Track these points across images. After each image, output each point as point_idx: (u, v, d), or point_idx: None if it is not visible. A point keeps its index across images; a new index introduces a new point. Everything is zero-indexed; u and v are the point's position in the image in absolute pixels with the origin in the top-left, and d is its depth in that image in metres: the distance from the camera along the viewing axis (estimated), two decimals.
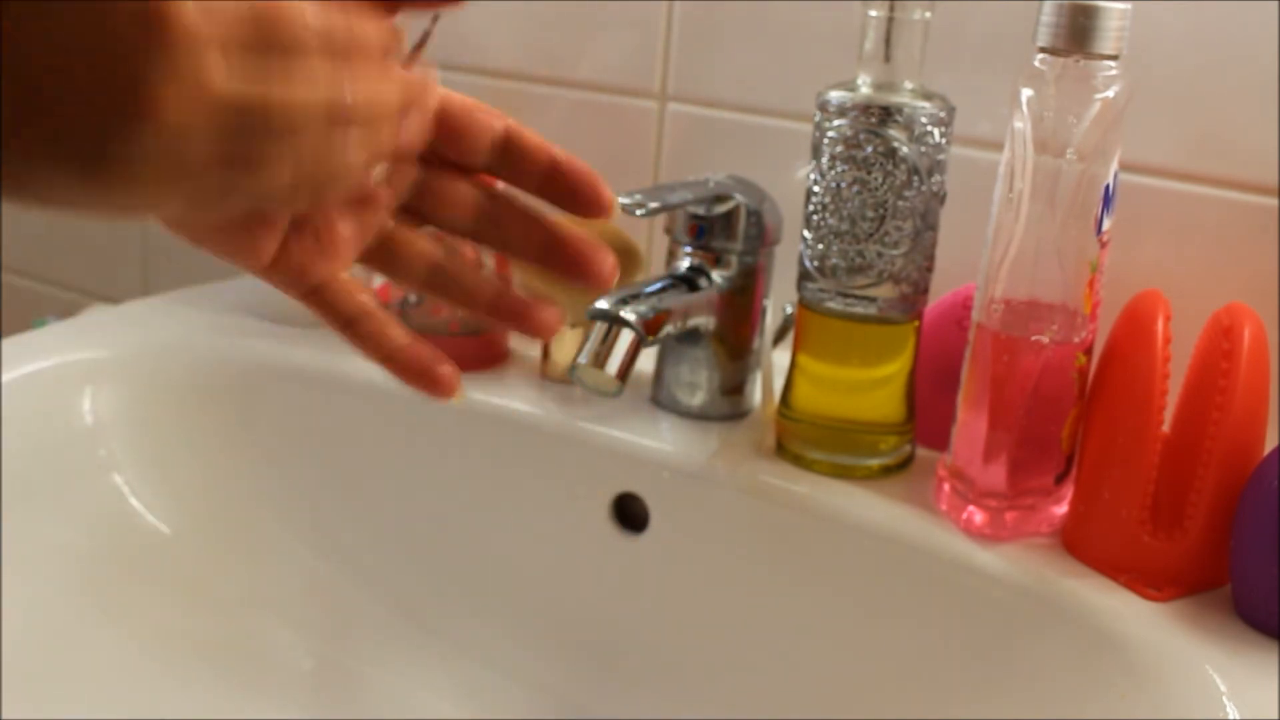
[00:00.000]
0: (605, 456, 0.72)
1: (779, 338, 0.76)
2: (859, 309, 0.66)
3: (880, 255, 0.65)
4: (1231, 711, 0.52)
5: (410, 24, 0.93)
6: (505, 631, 0.76)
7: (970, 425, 0.62)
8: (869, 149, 0.63)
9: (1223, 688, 0.53)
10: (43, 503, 0.71)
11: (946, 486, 0.65)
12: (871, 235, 0.64)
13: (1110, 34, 0.56)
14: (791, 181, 0.78)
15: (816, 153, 0.66)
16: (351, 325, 0.42)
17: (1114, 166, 0.59)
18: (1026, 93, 0.58)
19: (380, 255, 0.43)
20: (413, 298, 0.79)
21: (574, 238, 0.44)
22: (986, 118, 0.74)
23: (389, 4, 0.38)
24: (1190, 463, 0.58)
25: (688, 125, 0.86)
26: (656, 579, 0.72)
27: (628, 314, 0.65)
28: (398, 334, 0.42)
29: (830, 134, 0.64)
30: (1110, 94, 0.57)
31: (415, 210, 0.43)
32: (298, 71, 0.31)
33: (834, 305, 0.66)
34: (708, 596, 0.70)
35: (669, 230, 0.72)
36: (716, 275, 0.71)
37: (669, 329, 0.68)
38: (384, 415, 0.78)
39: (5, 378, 0.72)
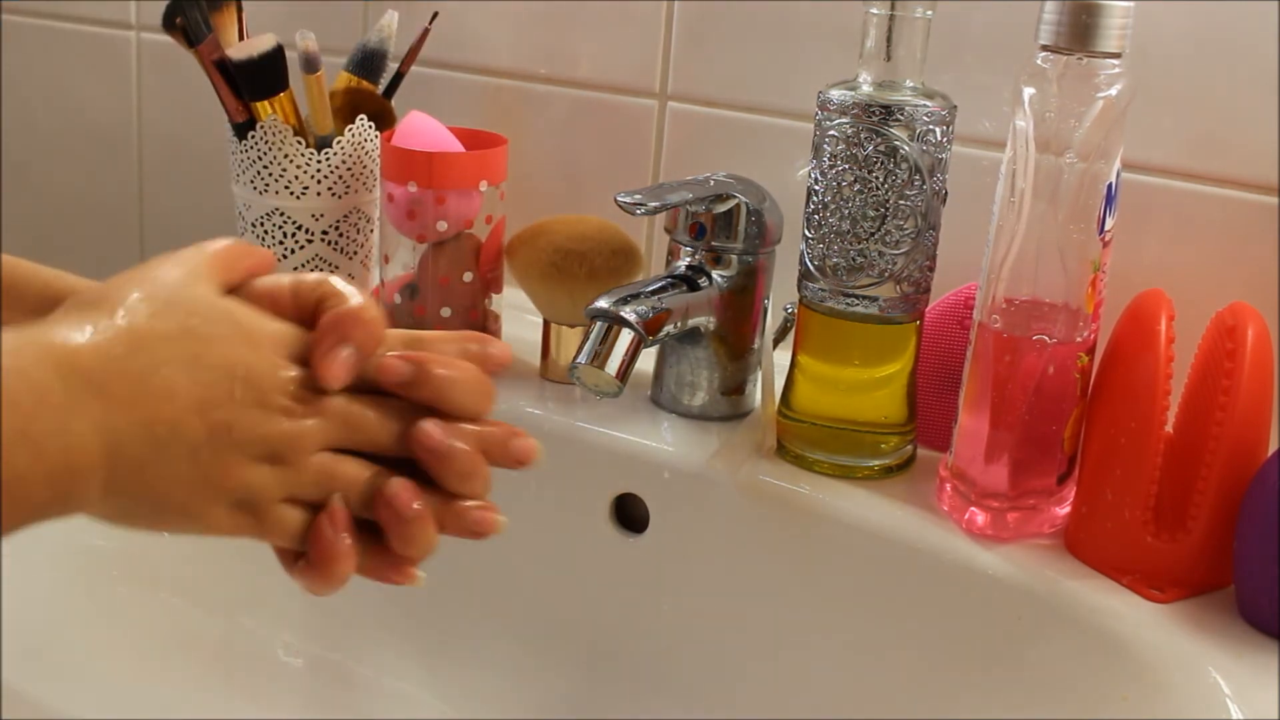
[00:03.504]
0: (605, 456, 0.72)
1: (779, 338, 0.76)
2: (860, 309, 0.65)
3: (881, 255, 0.64)
4: (1235, 713, 0.52)
5: (409, 22, 0.93)
6: (504, 631, 0.76)
7: (972, 425, 0.62)
8: (870, 148, 0.63)
9: (1226, 689, 0.53)
10: None
11: (948, 487, 0.64)
12: (873, 234, 0.64)
13: (1113, 32, 0.56)
14: (792, 180, 0.78)
15: (817, 152, 0.65)
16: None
17: (1116, 165, 0.59)
18: (1028, 91, 0.58)
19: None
20: (398, 298, 0.79)
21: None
22: (988, 116, 0.74)
23: None
24: (1193, 463, 0.58)
25: (688, 125, 0.86)
26: (656, 579, 0.71)
27: (628, 314, 0.65)
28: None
29: (831, 133, 0.64)
30: (1113, 92, 0.57)
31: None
32: None
33: (835, 305, 0.66)
34: (708, 596, 0.70)
35: (669, 230, 0.72)
36: (717, 275, 0.71)
37: (669, 329, 0.68)
38: None
39: None
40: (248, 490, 0.41)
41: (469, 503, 0.45)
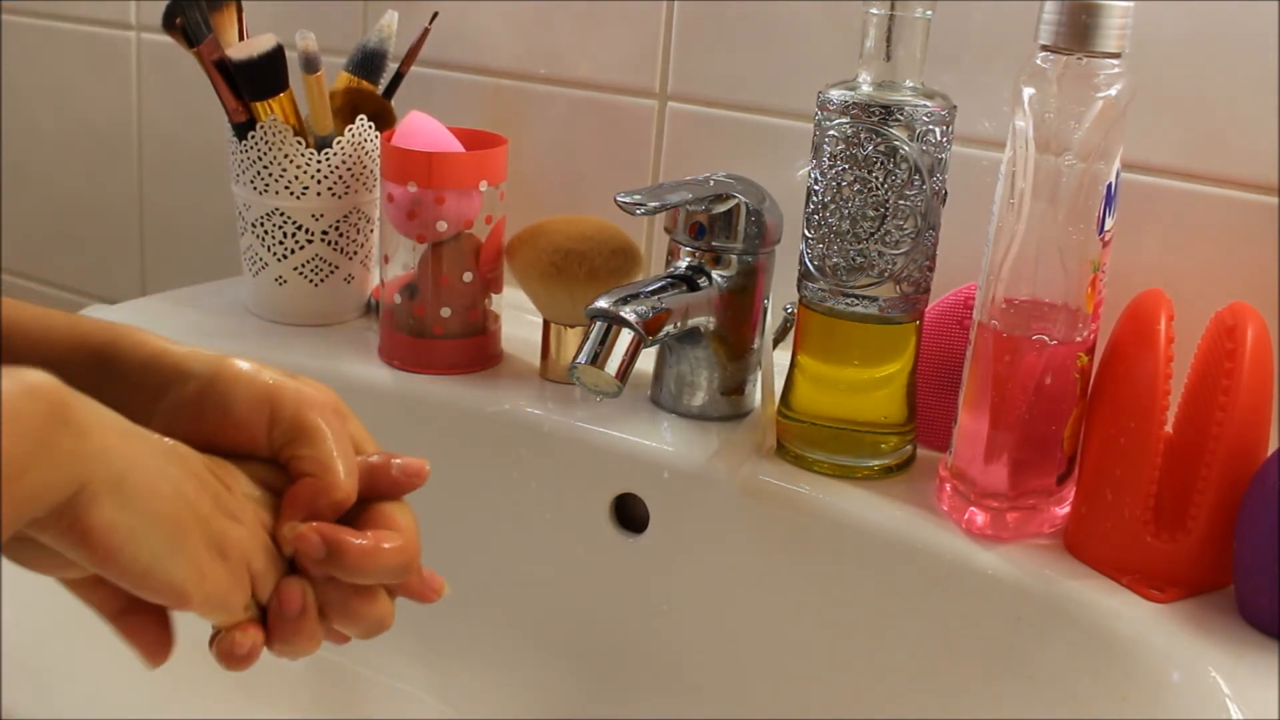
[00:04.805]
0: (605, 456, 0.72)
1: (779, 338, 0.76)
2: (860, 309, 0.65)
3: (881, 255, 0.64)
4: (1234, 713, 0.52)
5: (409, 22, 0.93)
6: (505, 632, 0.76)
7: (972, 425, 0.62)
8: (870, 148, 0.63)
9: (1226, 689, 0.53)
10: None
11: (948, 487, 0.64)
12: (872, 235, 0.64)
13: (1112, 32, 0.56)
14: (792, 180, 0.78)
15: (817, 152, 0.65)
16: None
17: (1116, 165, 0.59)
18: (1028, 91, 0.58)
19: None
20: (398, 298, 0.79)
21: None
22: (988, 116, 0.74)
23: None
24: (1193, 463, 0.58)
25: (688, 125, 0.86)
26: (656, 579, 0.71)
27: (628, 314, 0.65)
28: None
29: (831, 133, 0.64)
30: (1112, 92, 0.57)
31: None
32: None
33: (835, 305, 0.66)
34: (708, 597, 0.70)
35: (669, 230, 0.72)
36: (716, 275, 0.71)
37: (669, 329, 0.68)
38: (382, 415, 0.77)
39: None
40: (225, 537, 0.41)
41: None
